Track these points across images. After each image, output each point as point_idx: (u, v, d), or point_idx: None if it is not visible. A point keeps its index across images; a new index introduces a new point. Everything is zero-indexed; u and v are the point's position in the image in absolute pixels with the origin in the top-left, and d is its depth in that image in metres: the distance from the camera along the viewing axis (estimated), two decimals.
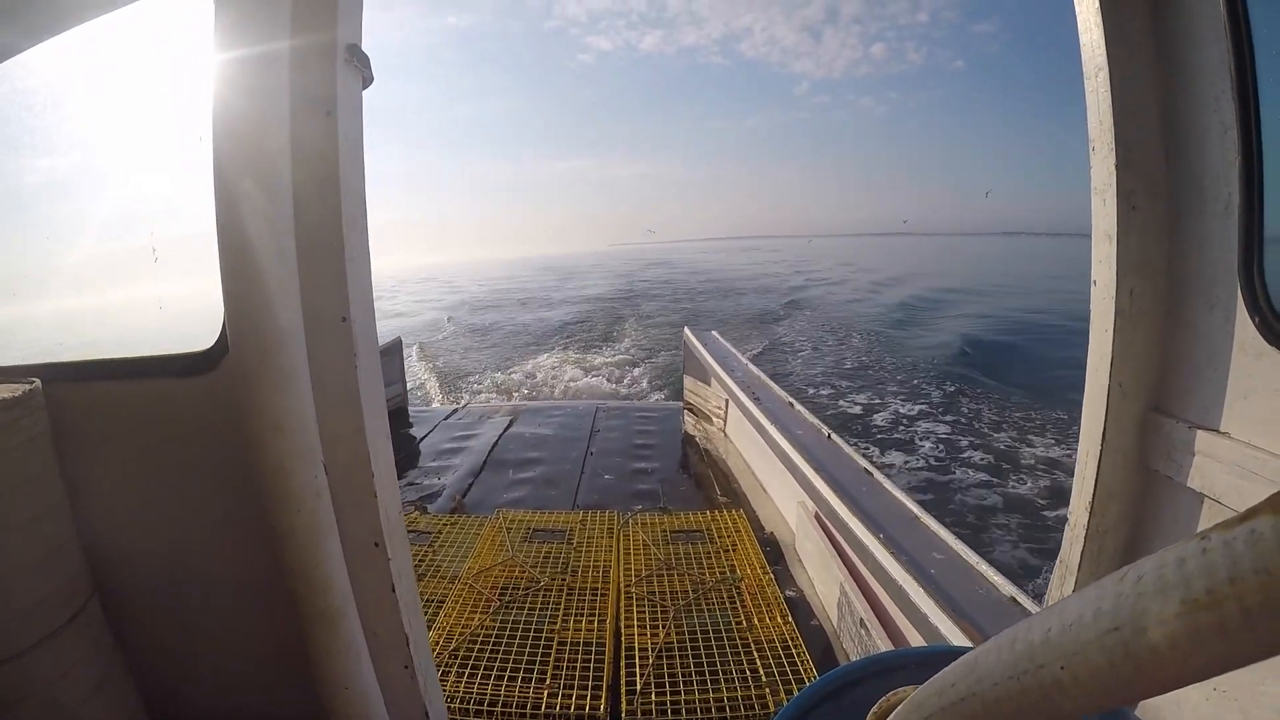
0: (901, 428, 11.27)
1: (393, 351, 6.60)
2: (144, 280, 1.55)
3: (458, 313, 32.70)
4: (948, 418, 11.69)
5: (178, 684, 1.65)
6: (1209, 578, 0.33)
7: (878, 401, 12.93)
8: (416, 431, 5.88)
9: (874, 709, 0.66)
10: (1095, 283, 1.29)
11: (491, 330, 25.66)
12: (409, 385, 8.35)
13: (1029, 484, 8.50)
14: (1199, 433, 1.17)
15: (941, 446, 10.26)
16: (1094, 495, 1.33)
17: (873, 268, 55.44)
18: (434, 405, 13.12)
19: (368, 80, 1.30)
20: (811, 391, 13.49)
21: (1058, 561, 1.49)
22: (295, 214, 1.17)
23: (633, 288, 41.60)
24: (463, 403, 9.06)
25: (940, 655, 1.37)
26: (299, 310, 1.19)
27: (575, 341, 21.88)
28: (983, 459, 9.45)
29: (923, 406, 12.47)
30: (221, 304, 1.26)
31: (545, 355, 19.21)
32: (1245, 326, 1.11)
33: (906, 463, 9.54)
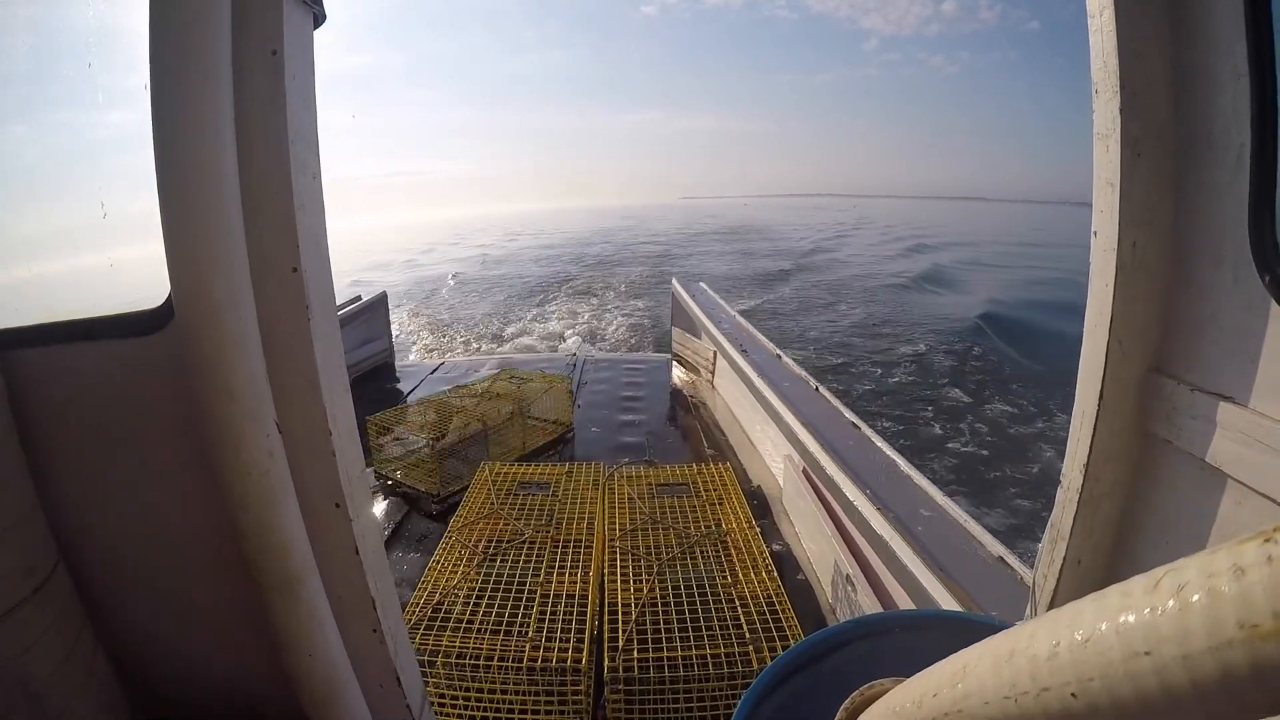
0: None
1: (377, 306, 6.55)
2: (98, 245, 1.47)
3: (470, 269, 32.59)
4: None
5: (149, 652, 1.62)
6: (1277, 595, 0.25)
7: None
8: (403, 386, 5.85)
9: (845, 704, 0.61)
10: (1095, 234, 1.21)
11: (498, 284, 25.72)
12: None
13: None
14: (1202, 396, 1.11)
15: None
16: (1089, 457, 1.28)
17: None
18: (420, 359, 13.20)
19: (319, 18, 1.21)
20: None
21: (1049, 525, 1.44)
22: (239, 161, 1.08)
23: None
24: (446, 357, 9.09)
25: (927, 620, 1.33)
26: (246, 263, 1.12)
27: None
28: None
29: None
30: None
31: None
32: (1254, 286, 1.03)
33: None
